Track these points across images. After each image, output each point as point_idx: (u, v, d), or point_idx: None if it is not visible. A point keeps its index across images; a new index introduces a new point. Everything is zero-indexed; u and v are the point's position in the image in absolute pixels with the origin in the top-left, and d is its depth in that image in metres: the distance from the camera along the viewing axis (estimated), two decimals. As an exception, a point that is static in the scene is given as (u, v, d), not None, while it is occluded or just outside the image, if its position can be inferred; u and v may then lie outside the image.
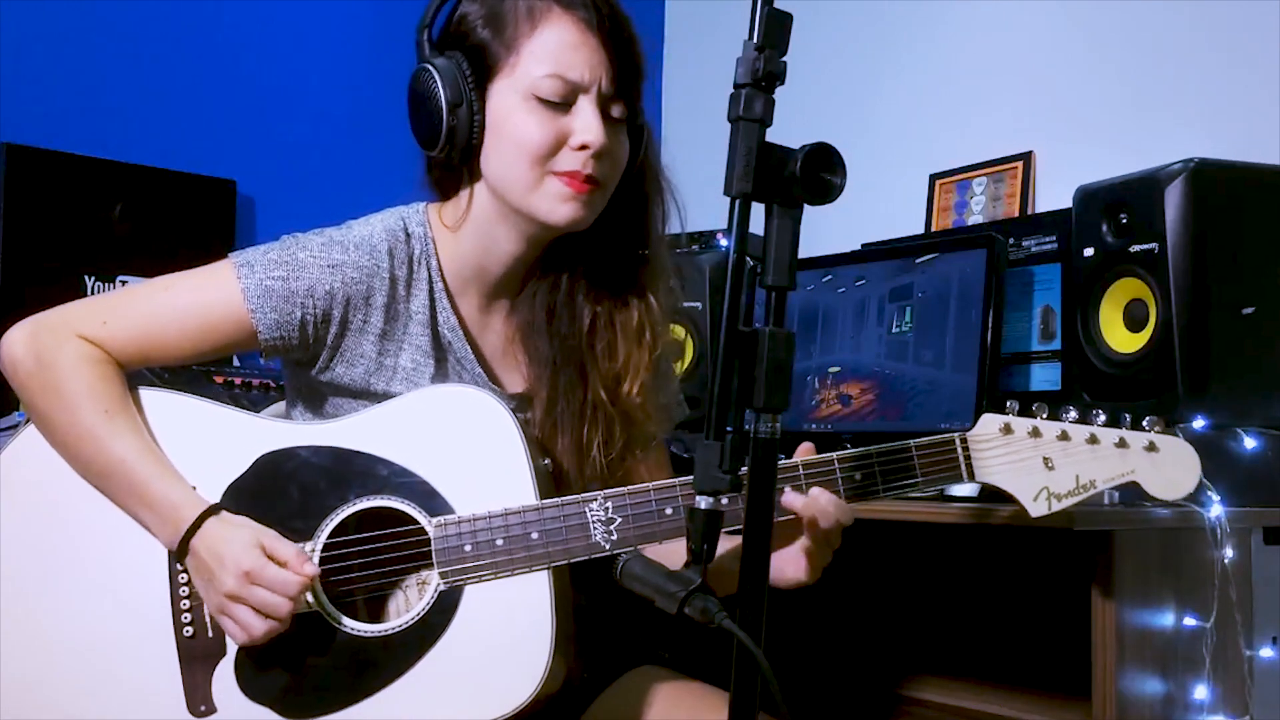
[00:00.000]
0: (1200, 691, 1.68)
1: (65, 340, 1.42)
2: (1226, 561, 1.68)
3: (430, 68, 1.45)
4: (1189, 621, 1.69)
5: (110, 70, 2.76)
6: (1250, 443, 1.77)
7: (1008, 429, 1.44)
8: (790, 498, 1.39)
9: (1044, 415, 1.43)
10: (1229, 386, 1.81)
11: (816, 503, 1.38)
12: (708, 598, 1.05)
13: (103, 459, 1.41)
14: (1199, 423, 1.77)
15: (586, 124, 1.42)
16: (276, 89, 3.00)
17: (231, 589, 1.35)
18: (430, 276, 1.51)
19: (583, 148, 1.42)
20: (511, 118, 1.43)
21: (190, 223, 2.72)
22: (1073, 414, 1.43)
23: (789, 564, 1.43)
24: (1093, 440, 1.42)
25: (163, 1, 2.84)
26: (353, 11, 3.12)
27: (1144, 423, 1.43)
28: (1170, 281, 1.80)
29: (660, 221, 1.56)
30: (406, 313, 1.50)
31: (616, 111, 1.45)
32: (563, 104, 1.42)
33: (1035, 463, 1.43)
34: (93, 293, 2.55)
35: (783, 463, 1.42)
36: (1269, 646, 1.76)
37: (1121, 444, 1.42)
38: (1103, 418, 1.43)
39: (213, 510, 1.39)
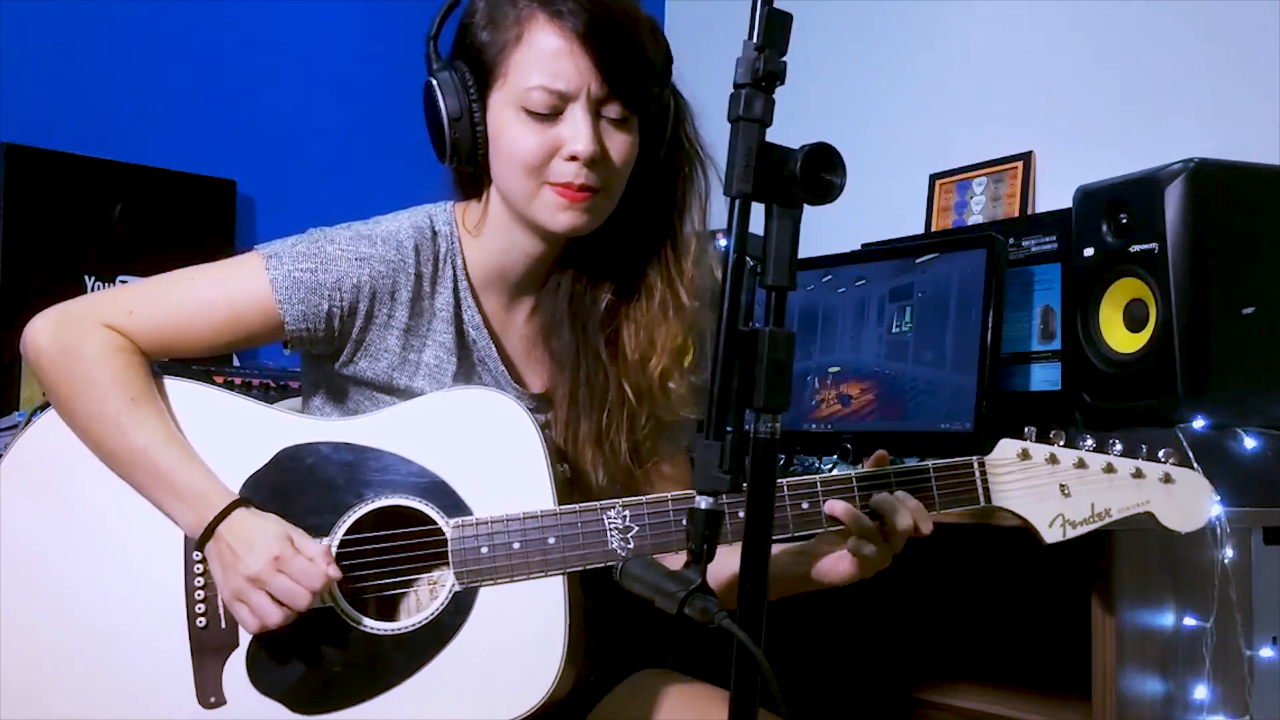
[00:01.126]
0: (1200, 691, 1.69)
1: (91, 329, 1.43)
2: (1226, 561, 1.68)
3: (431, 82, 1.45)
4: (1189, 621, 1.69)
5: (110, 70, 2.76)
6: (1250, 443, 1.77)
7: (1025, 455, 1.45)
8: (881, 498, 1.42)
9: (1061, 442, 1.45)
10: (1229, 386, 1.81)
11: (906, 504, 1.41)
12: (708, 598, 1.05)
13: (128, 446, 1.41)
14: (1199, 423, 1.77)
15: (576, 133, 1.41)
16: (276, 89, 3.00)
17: (256, 572, 1.35)
18: (455, 275, 1.52)
19: (573, 158, 1.41)
20: (506, 130, 1.43)
21: (190, 223, 2.72)
22: (1090, 442, 1.44)
23: (841, 560, 1.45)
24: (1109, 469, 1.43)
25: (163, 1, 2.84)
26: (353, 11, 3.12)
27: (1160, 454, 1.45)
28: (1170, 281, 1.80)
29: (695, 197, 1.53)
30: (431, 309, 1.51)
31: (614, 112, 1.43)
32: (552, 114, 1.41)
33: (1051, 489, 1.44)
34: (93, 292, 2.55)
35: (802, 479, 1.43)
36: (1269, 646, 1.76)
37: (1138, 474, 1.43)
38: (1119, 447, 1.44)
39: (243, 501, 1.40)
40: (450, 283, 1.51)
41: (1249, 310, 1.82)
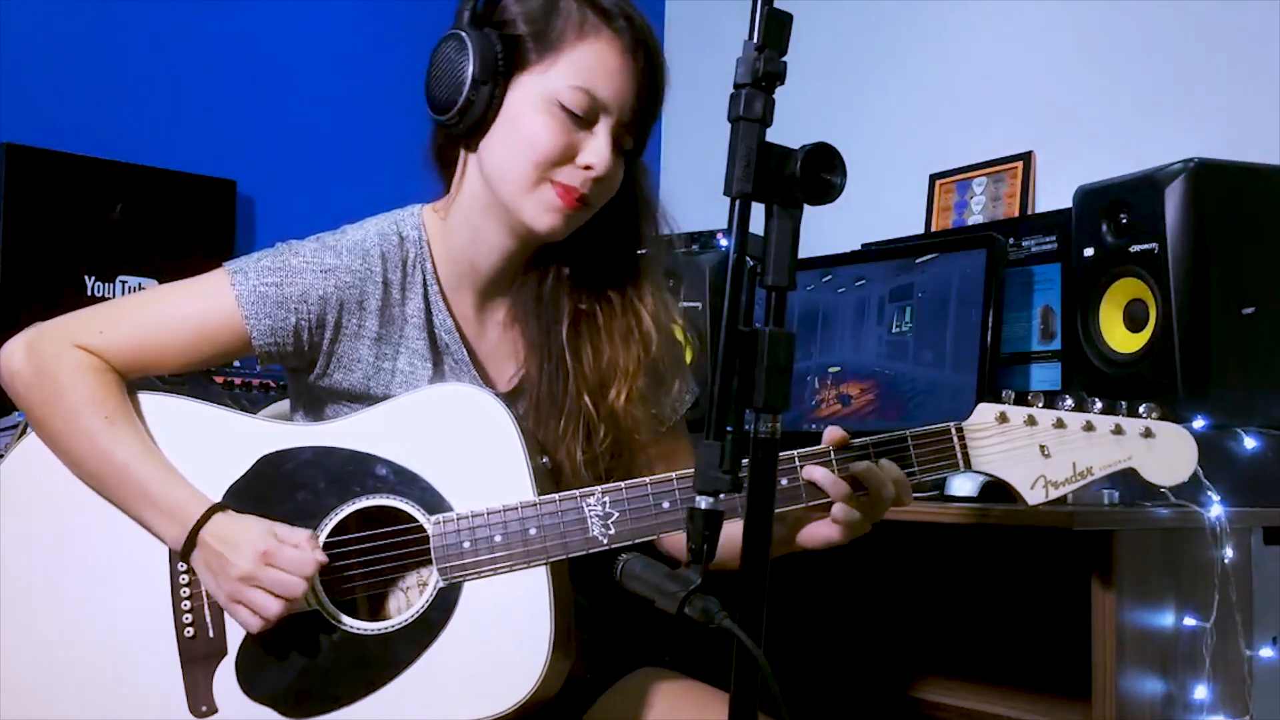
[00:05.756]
0: (1200, 691, 1.69)
1: (64, 350, 1.43)
2: (1226, 561, 1.68)
3: (465, 37, 1.44)
4: (1189, 621, 1.70)
5: (110, 70, 2.76)
6: (1250, 443, 1.77)
7: (1003, 418, 1.44)
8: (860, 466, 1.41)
9: (1040, 404, 1.44)
10: (1229, 386, 1.81)
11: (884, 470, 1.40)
12: (708, 598, 1.05)
13: (106, 464, 1.41)
14: (1199, 423, 1.77)
15: (598, 148, 1.43)
16: (276, 89, 3.00)
17: (247, 569, 1.35)
18: (425, 279, 1.52)
19: (587, 168, 1.43)
20: (530, 116, 1.43)
21: (190, 223, 2.72)
22: (1069, 402, 1.43)
23: (820, 526, 1.43)
24: (1089, 427, 1.43)
25: (163, 1, 2.84)
26: (353, 12, 3.12)
27: (1140, 409, 1.43)
28: (1170, 281, 1.80)
29: (653, 229, 1.57)
30: (402, 316, 1.51)
31: (627, 143, 1.47)
32: (583, 120, 1.43)
33: (1031, 451, 1.43)
34: (93, 293, 2.55)
35: (780, 454, 1.42)
36: (1269, 646, 1.76)
37: (1117, 430, 1.42)
38: (1099, 405, 1.43)
39: (221, 506, 1.40)
40: (420, 288, 1.51)
41: (1249, 310, 1.82)
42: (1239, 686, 1.72)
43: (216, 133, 2.89)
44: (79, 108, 2.71)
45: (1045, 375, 2.16)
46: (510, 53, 1.44)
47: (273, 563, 1.35)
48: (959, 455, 1.44)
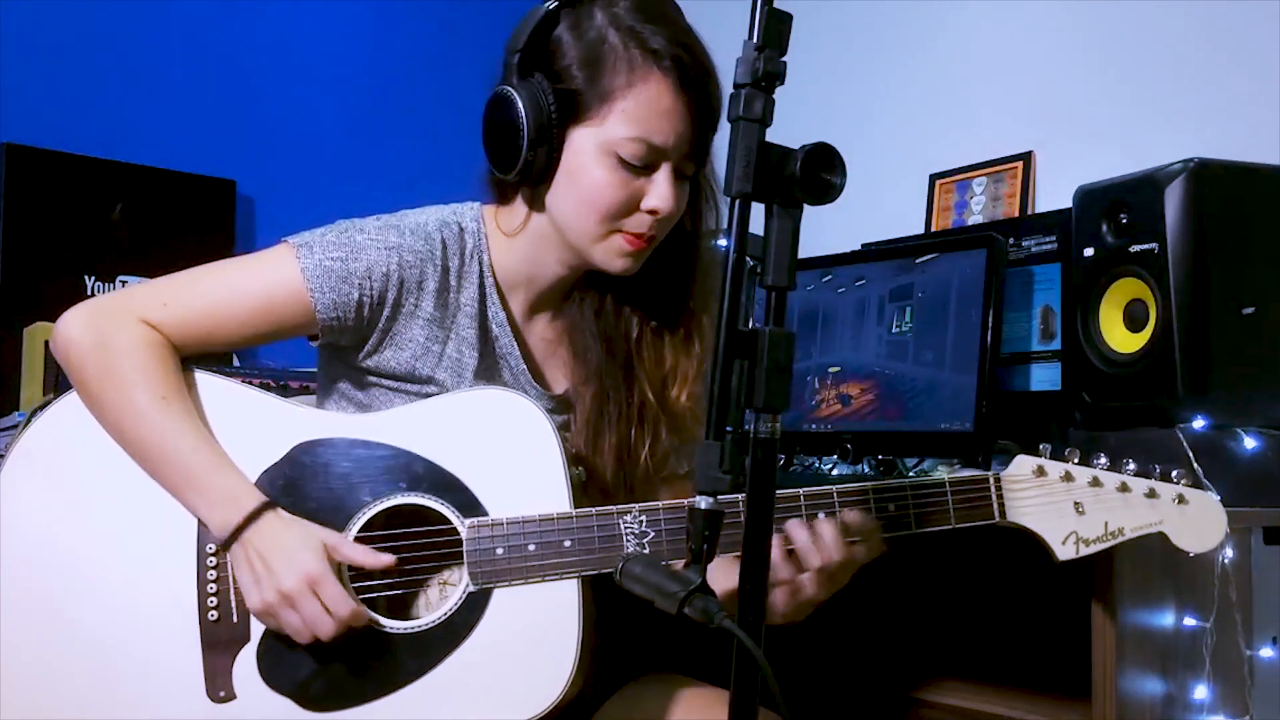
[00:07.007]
0: (1200, 691, 1.69)
1: (126, 324, 1.42)
2: (1226, 561, 1.68)
3: (516, 96, 1.43)
4: (1189, 621, 1.70)
5: (110, 70, 2.77)
6: (1250, 443, 1.77)
7: (1041, 471, 1.46)
8: (791, 527, 1.40)
9: (1075, 460, 1.46)
10: (1229, 386, 1.81)
11: (821, 538, 1.40)
12: (708, 598, 1.05)
13: (158, 444, 1.40)
14: (1199, 423, 1.77)
15: (662, 193, 1.43)
16: (276, 89, 3.00)
17: (290, 590, 1.34)
18: (481, 271, 1.53)
19: (653, 212, 1.44)
20: (589, 170, 1.43)
21: (190, 223, 2.72)
22: (1103, 460, 1.46)
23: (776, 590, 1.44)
24: (1124, 489, 1.45)
25: (163, 1, 2.84)
26: (353, 12, 3.12)
27: (1173, 474, 1.46)
28: (1170, 281, 1.80)
29: (714, 223, 1.58)
30: (456, 303, 1.51)
31: (688, 170, 1.47)
32: (643, 167, 1.43)
33: (1066, 506, 1.45)
34: (93, 293, 2.55)
35: (817, 489, 1.43)
36: (1269, 646, 1.76)
37: (1151, 494, 1.45)
38: (1133, 466, 1.46)
39: (270, 505, 1.39)
40: (476, 279, 1.52)
41: (1249, 310, 1.82)
42: (1239, 686, 1.72)
43: (216, 133, 2.89)
44: (79, 108, 2.71)
45: (1045, 375, 2.16)
46: (565, 103, 1.43)
47: (318, 592, 1.35)
48: (995, 505, 1.45)
